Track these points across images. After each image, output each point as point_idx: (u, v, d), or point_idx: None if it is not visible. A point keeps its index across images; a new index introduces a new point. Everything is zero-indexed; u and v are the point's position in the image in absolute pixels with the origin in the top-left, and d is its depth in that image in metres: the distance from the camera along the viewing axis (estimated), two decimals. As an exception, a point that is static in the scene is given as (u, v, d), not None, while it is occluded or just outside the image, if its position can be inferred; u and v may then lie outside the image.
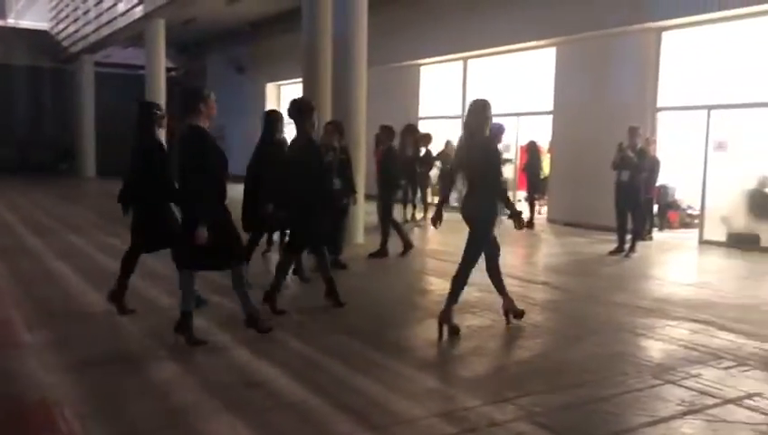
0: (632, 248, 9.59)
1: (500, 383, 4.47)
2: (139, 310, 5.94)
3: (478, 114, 5.42)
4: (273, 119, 7.36)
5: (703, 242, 10.88)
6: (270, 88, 22.98)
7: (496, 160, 5.49)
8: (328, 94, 9.93)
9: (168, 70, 30.17)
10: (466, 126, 5.47)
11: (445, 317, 5.40)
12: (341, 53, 9.58)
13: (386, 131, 9.53)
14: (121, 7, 21.36)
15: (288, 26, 17.17)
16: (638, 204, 9.73)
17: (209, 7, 19.12)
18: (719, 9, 10.41)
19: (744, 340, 5.45)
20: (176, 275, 5.13)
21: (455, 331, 5.40)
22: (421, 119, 16.43)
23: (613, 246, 9.69)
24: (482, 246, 5.48)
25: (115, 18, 22.04)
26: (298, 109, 6.07)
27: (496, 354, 5.27)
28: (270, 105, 22.98)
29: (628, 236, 9.62)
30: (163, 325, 5.28)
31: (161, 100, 19.52)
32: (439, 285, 7.48)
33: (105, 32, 23.12)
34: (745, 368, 4.77)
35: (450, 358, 4.98)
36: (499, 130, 12.60)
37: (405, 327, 5.94)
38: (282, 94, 22.54)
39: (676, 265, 9.59)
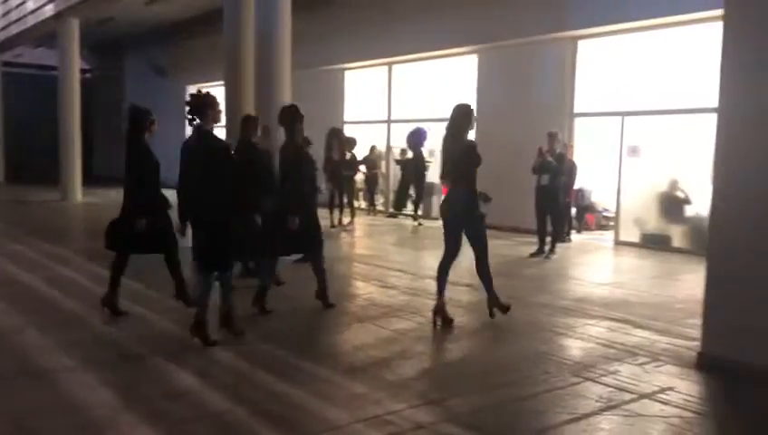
0: (552, 250, 9.87)
1: (426, 386, 4.49)
2: (57, 321, 5.68)
3: (460, 118, 5.90)
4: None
5: (618, 243, 11.30)
6: (191, 90, 22.46)
7: (476, 161, 5.92)
8: (251, 97, 9.77)
9: (84, 71, 29.14)
10: (449, 129, 5.91)
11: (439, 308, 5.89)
12: (264, 55, 9.46)
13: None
14: (30, 5, 20.42)
15: (210, 28, 16.81)
16: (557, 207, 10.03)
17: (127, 7, 18.52)
18: (632, 20, 10.85)
19: (657, 336, 5.69)
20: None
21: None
22: (347, 123, 16.44)
23: (534, 248, 9.94)
24: (455, 238, 5.90)
25: (24, 16, 21.05)
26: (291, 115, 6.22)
27: (422, 357, 5.30)
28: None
29: (548, 239, 9.89)
30: (87, 339, 5.07)
31: (75, 102, 18.81)
32: (365, 289, 7.51)
33: (14, 30, 22.05)
34: (659, 363, 4.98)
35: (378, 362, 4.98)
36: (421, 136, 12.90)
37: (333, 333, 5.90)
38: (204, 97, 22.07)
39: (594, 265, 9.91)
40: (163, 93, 23.38)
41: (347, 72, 16.93)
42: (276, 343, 5.32)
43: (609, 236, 11.85)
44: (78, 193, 18.53)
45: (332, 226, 12.67)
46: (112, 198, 17.57)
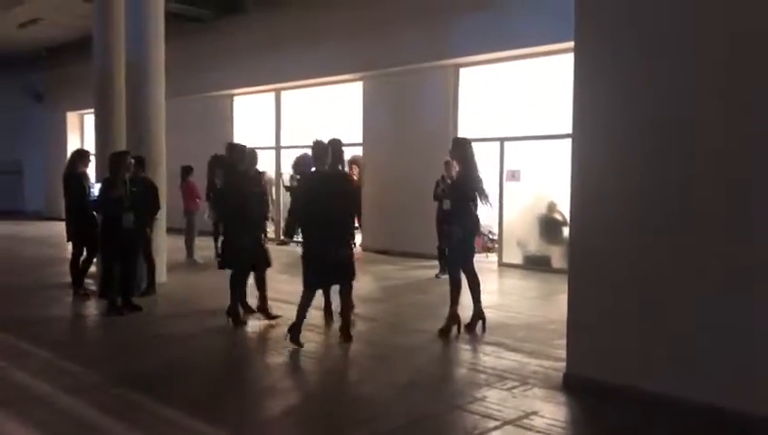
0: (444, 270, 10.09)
1: (292, 426, 4.30)
2: None
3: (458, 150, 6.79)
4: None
5: (502, 265, 11.53)
6: (71, 117, 21.43)
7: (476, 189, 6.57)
8: (123, 124, 9.33)
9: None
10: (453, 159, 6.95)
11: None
12: (135, 81, 9.05)
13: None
14: None
15: (87, 52, 16.07)
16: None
17: (-2, 29, 17.49)
18: (509, 48, 11.20)
19: (528, 359, 5.74)
20: None
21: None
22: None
23: (431, 272, 10.32)
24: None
25: None
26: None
27: (290, 394, 5.10)
28: (72, 135, 21.43)
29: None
30: None
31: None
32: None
33: None
34: (527, 387, 5.00)
35: (249, 400, 4.73)
36: (309, 162, 12.72)
37: (200, 372, 5.59)
38: (85, 123, 21.10)
39: (478, 288, 10.01)
40: (42, 120, 22.23)
41: (236, 98, 16.63)
42: (135, 387, 4.96)
43: (494, 258, 12.07)
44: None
45: (217, 256, 12.22)
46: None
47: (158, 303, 8.17)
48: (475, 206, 6.75)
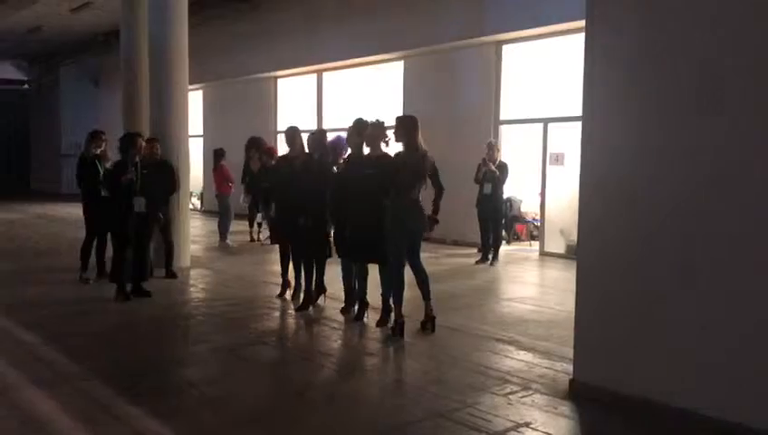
0: (495, 257, 9.97)
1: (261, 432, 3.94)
2: None
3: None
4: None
5: (543, 254, 10.88)
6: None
7: None
8: (146, 107, 9.21)
9: (21, 82, 28.24)
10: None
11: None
12: (158, 64, 8.87)
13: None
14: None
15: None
16: (499, 215, 10.25)
17: (53, 16, 17.79)
18: (554, 22, 10.47)
19: (538, 359, 5.21)
20: None
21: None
22: (281, 132, 15.87)
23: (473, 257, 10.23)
24: None
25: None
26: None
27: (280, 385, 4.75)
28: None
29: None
30: None
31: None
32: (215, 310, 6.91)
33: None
34: (527, 392, 4.48)
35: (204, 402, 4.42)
36: (340, 145, 12.36)
37: (179, 370, 5.30)
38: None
39: (510, 279, 9.41)
40: (99, 104, 22.72)
41: (279, 81, 16.44)
42: (103, 379, 4.71)
43: (536, 246, 11.42)
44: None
45: (251, 240, 12.08)
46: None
47: (171, 289, 7.96)
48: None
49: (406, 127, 5.88)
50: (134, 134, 7.63)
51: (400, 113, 12.93)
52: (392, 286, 5.89)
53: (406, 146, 5.86)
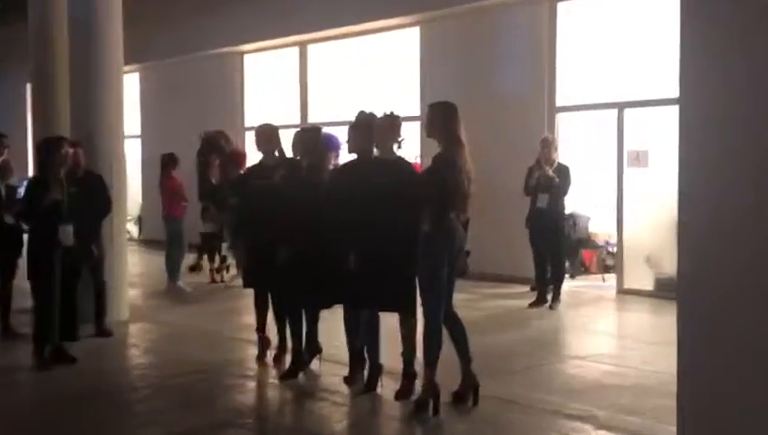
0: (556, 297, 9.99)
1: None
2: None
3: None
4: None
5: (622, 291, 10.90)
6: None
7: None
8: (66, 98, 9.35)
9: None
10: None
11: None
12: (80, 40, 9.02)
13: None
14: None
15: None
16: (559, 238, 10.21)
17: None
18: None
19: (626, 443, 5.22)
20: None
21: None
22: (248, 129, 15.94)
23: (527, 297, 10.16)
24: None
25: None
26: None
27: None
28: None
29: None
30: None
31: None
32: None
33: None
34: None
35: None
36: (332, 145, 12.44)
37: None
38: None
39: (575, 328, 9.51)
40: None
41: (246, 57, 16.63)
42: None
43: (612, 282, 11.43)
44: None
45: (212, 281, 12.09)
46: None
47: (105, 352, 8.04)
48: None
49: (444, 115, 5.92)
50: (57, 139, 7.69)
51: (415, 99, 13.19)
52: (429, 340, 5.77)
53: (445, 141, 5.86)
